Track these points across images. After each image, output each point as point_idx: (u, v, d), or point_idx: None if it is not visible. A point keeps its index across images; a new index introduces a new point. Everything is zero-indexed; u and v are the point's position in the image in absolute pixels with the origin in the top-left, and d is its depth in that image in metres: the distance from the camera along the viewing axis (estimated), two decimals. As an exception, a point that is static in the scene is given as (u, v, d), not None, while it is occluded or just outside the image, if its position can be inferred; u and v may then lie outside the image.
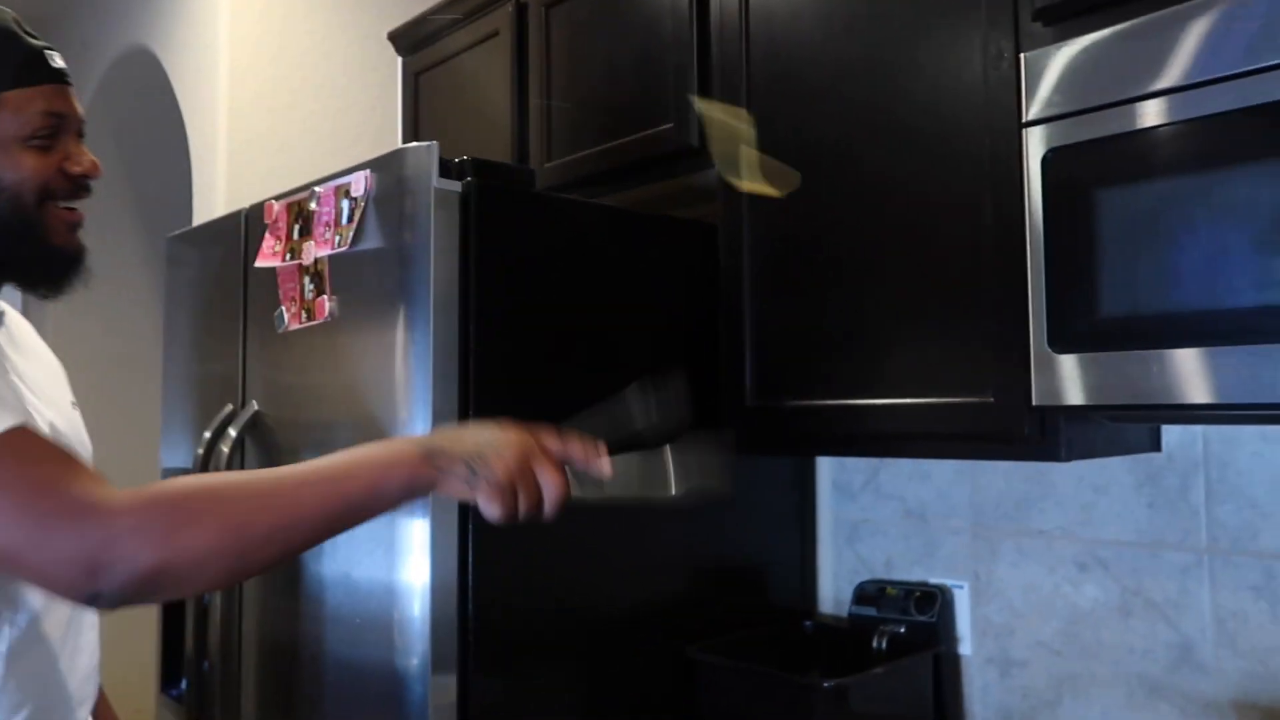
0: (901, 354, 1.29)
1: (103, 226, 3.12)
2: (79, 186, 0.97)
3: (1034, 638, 1.48)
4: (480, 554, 1.27)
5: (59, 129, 0.95)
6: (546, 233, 1.40)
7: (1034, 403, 1.10)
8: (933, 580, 1.60)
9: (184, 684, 1.58)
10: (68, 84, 0.97)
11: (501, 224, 1.33)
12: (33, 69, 0.93)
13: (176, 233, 1.84)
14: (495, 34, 1.97)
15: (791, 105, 1.43)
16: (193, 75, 2.39)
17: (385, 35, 2.28)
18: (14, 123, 0.92)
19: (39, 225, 0.94)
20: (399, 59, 2.26)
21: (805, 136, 1.41)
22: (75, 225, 0.98)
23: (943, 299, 1.25)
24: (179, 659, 1.61)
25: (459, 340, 1.28)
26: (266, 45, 2.29)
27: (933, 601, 1.56)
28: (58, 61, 0.96)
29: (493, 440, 0.85)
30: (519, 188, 1.39)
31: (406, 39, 2.23)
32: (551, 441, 0.89)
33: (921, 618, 1.55)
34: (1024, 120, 1.12)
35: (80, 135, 0.99)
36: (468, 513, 1.26)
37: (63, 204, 0.96)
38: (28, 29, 0.96)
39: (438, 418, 1.25)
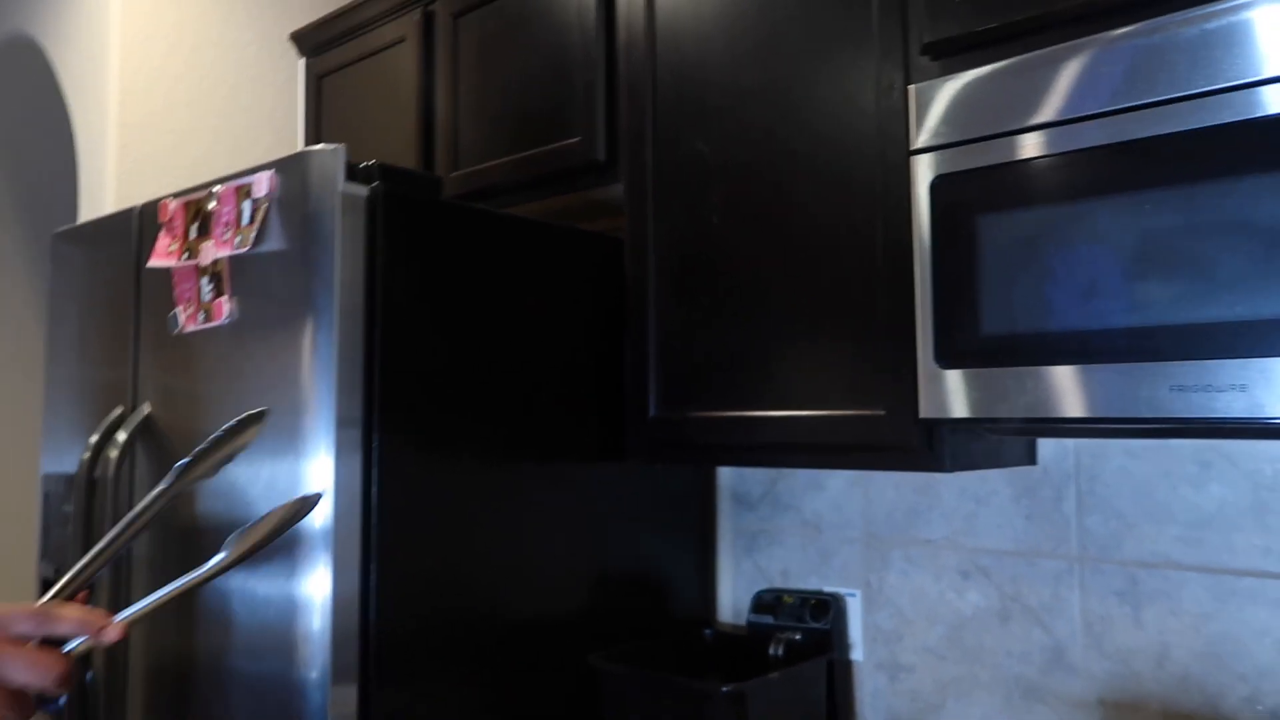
0: (797, 368, 1.34)
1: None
2: None
3: (920, 643, 1.55)
4: (383, 565, 1.26)
5: None
6: (454, 241, 1.39)
7: (921, 415, 1.16)
8: (827, 589, 1.66)
9: (62, 698, 1.51)
10: None
11: (409, 230, 1.33)
12: None
13: (63, 229, 1.76)
14: (402, 40, 1.96)
15: (695, 125, 1.47)
16: (80, 67, 2.30)
17: (287, 35, 2.24)
18: None
19: None
20: (301, 60, 2.22)
21: (708, 155, 1.45)
22: None
23: (836, 316, 1.30)
24: (56, 673, 1.53)
25: (364, 347, 1.27)
26: (160, 38, 2.22)
27: (827, 609, 1.61)
28: None
29: None
30: (426, 195, 1.38)
31: (310, 40, 2.19)
32: (25, 622, 0.73)
33: (816, 625, 1.60)
34: (912, 148, 1.18)
35: None
36: (370, 522, 1.25)
37: None
38: None
39: (341, 424, 1.23)
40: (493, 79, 1.79)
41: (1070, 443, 1.40)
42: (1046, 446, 1.43)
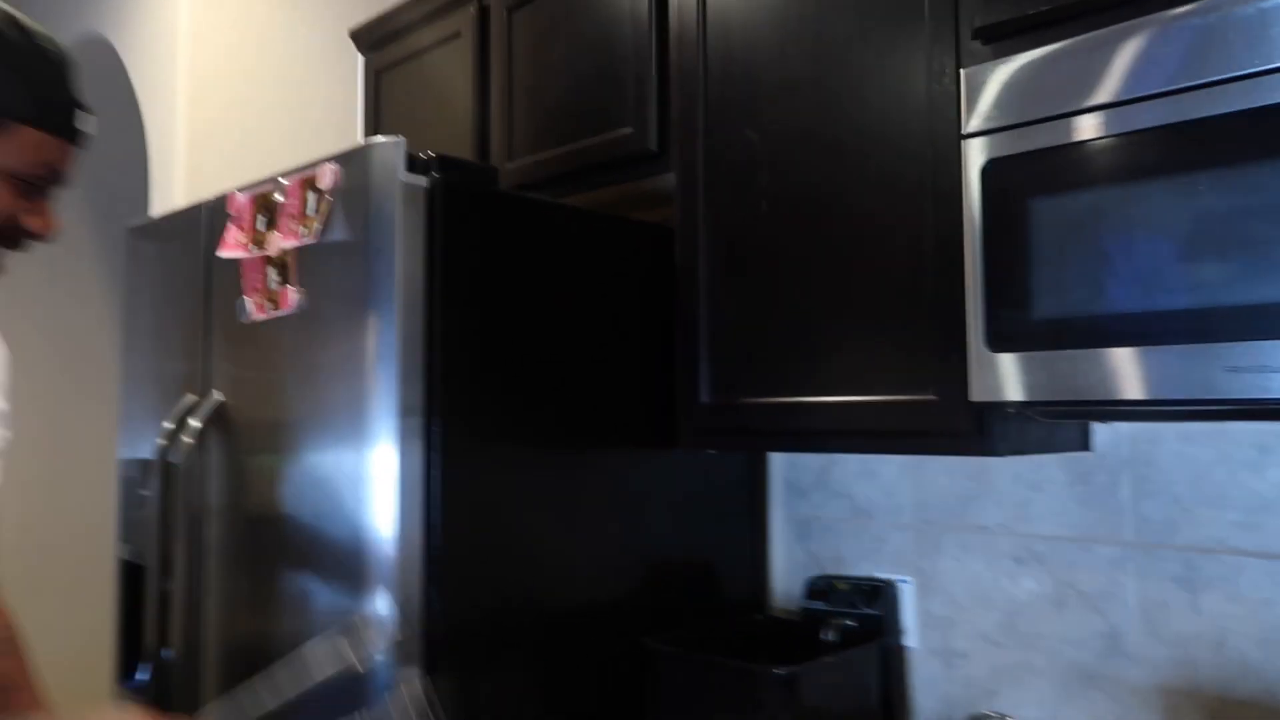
0: (847, 354, 1.35)
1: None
2: (25, 240, 0.93)
3: (975, 629, 1.55)
4: (444, 550, 1.30)
5: (47, 183, 0.92)
6: (510, 230, 1.42)
7: (972, 399, 1.16)
8: (880, 575, 1.66)
9: (143, 673, 1.58)
10: (79, 148, 0.94)
11: (467, 220, 1.36)
12: (62, 119, 0.91)
13: (137, 224, 1.83)
14: (458, 35, 1.99)
15: (745, 114, 1.48)
16: (150, 66, 2.38)
17: (346, 32, 2.29)
18: (15, 155, 0.89)
19: None
20: (360, 56, 2.28)
21: (758, 144, 1.46)
22: None
23: (887, 300, 1.30)
24: (138, 648, 1.61)
25: (424, 335, 1.30)
26: (225, 38, 2.29)
27: (879, 595, 1.61)
28: (85, 124, 0.94)
29: None
30: (483, 186, 1.41)
31: (368, 37, 2.24)
32: None
33: (869, 611, 1.60)
34: (964, 132, 1.17)
35: (52, 196, 0.95)
36: (431, 509, 1.29)
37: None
38: (77, 78, 0.93)
39: (403, 413, 1.27)
40: (545, 71, 1.81)
41: (1126, 428, 1.39)
42: (1102, 432, 1.42)
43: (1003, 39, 1.19)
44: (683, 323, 1.56)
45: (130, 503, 1.72)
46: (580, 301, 1.50)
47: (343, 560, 1.30)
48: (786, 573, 1.80)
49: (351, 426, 1.30)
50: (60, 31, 2.91)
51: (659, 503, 1.61)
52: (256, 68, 2.35)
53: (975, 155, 1.16)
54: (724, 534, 1.73)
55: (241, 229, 1.50)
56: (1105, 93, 1.05)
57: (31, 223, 0.92)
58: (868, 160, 1.33)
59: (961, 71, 1.19)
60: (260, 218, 1.47)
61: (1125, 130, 1.03)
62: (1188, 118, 0.99)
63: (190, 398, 1.59)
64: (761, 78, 1.46)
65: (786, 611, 1.78)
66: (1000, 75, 1.14)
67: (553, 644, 1.43)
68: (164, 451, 1.54)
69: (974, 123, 1.16)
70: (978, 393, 1.15)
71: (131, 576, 1.67)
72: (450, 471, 1.31)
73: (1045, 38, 1.13)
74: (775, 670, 1.36)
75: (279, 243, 1.43)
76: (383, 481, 1.27)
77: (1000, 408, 1.18)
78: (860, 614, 1.61)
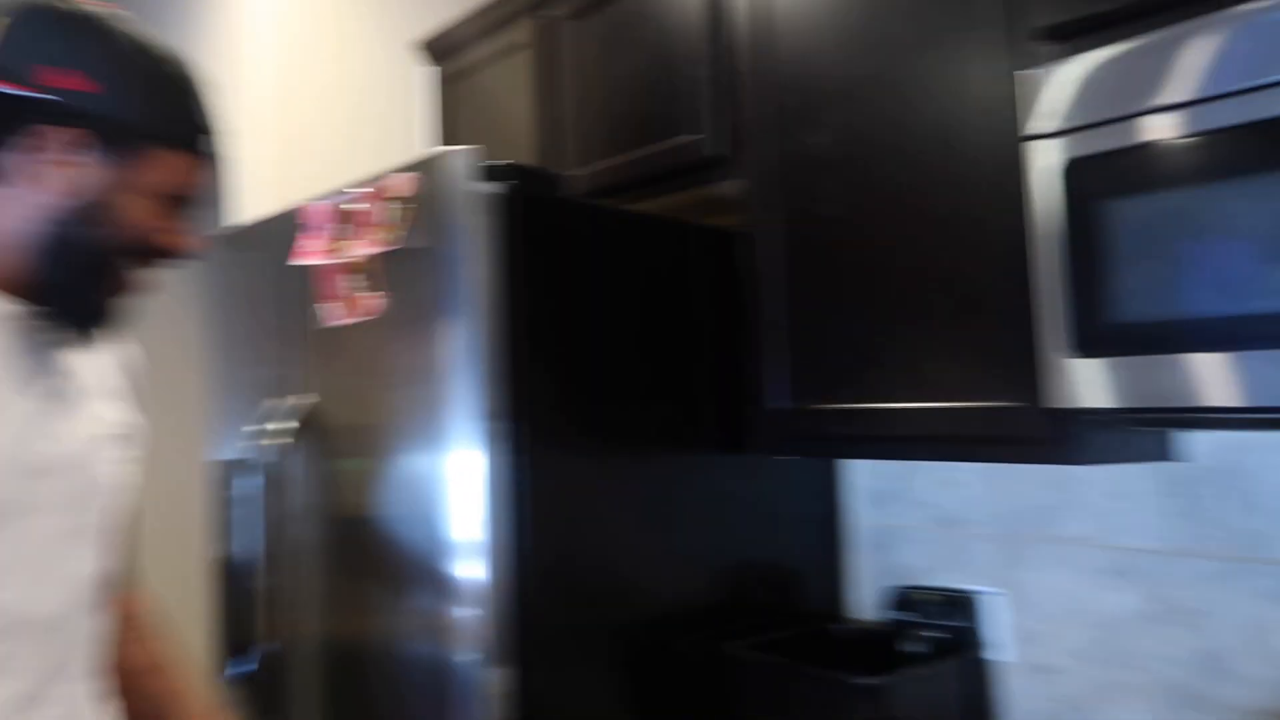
0: (922, 359, 1.32)
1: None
2: (162, 257, 0.94)
3: (1065, 645, 1.50)
4: (530, 553, 1.32)
5: (183, 201, 0.93)
6: (581, 236, 1.44)
7: (1053, 406, 1.13)
8: (963, 586, 1.62)
9: (246, 665, 1.61)
10: (212, 166, 0.96)
11: (540, 226, 1.37)
12: (194, 138, 0.93)
13: (221, 231, 1.88)
14: (520, 46, 2.01)
15: (812, 117, 1.47)
16: (235, 81, 2.44)
17: (411, 44, 2.33)
18: (157, 175, 0.90)
19: (102, 274, 0.90)
20: (423, 68, 2.31)
21: (827, 147, 1.45)
22: (131, 291, 0.93)
23: (961, 305, 1.28)
24: (240, 642, 1.64)
25: (504, 341, 1.32)
26: (303, 55, 2.34)
27: (964, 607, 1.58)
28: (216, 143, 0.96)
29: None
30: (553, 192, 1.43)
31: (437, 48, 2.27)
32: None
33: (952, 623, 1.57)
34: (1029, 134, 1.14)
35: (188, 214, 0.96)
36: (519, 513, 1.30)
37: (134, 267, 0.92)
38: (206, 98, 0.95)
39: (486, 417, 1.28)
40: (607, 80, 1.82)
41: (1221, 437, 1.33)
42: (1188, 441, 1.36)
43: (1070, 38, 1.15)
44: (752, 327, 1.55)
45: (223, 502, 1.76)
46: (649, 306, 1.51)
47: (430, 560, 1.32)
48: (866, 582, 1.78)
49: (436, 430, 1.32)
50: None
51: (737, 508, 1.60)
52: (328, 80, 2.41)
53: (1046, 156, 1.12)
54: (802, 541, 1.71)
55: (321, 237, 1.53)
56: (1180, 91, 1.01)
57: (169, 241, 0.93)
58: (936, 161, 1.30)
59: (1027, 72, 1.16)
60: (339, 226, 1.50)
61: (1203, 129, 0.99)
62: (1265, 115, 0.95)
63: (281, 400, 1.62)
64: (828, 80, 1.45)
65: (866, 621, 1.75)
66: (1067, 75, 1.11)
67: (632, 645, 1.44)
68: (262, 453, 1.57)
69: (1043, 123, 1.13)
70: (1056, 399, 1.12)
71: (232, 572, 1.70)
72: (534, 474, 1.33)
73: (1115, 36, 1.10)
74: (865, 681, 1.33)
75: (358, 250, 1.45)
76: (468, 484, 1.28)
77: (1079, 415, 1.14)
78: (944, 626, 1.58)
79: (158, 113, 0.90)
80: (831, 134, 1.44)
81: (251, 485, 1.59)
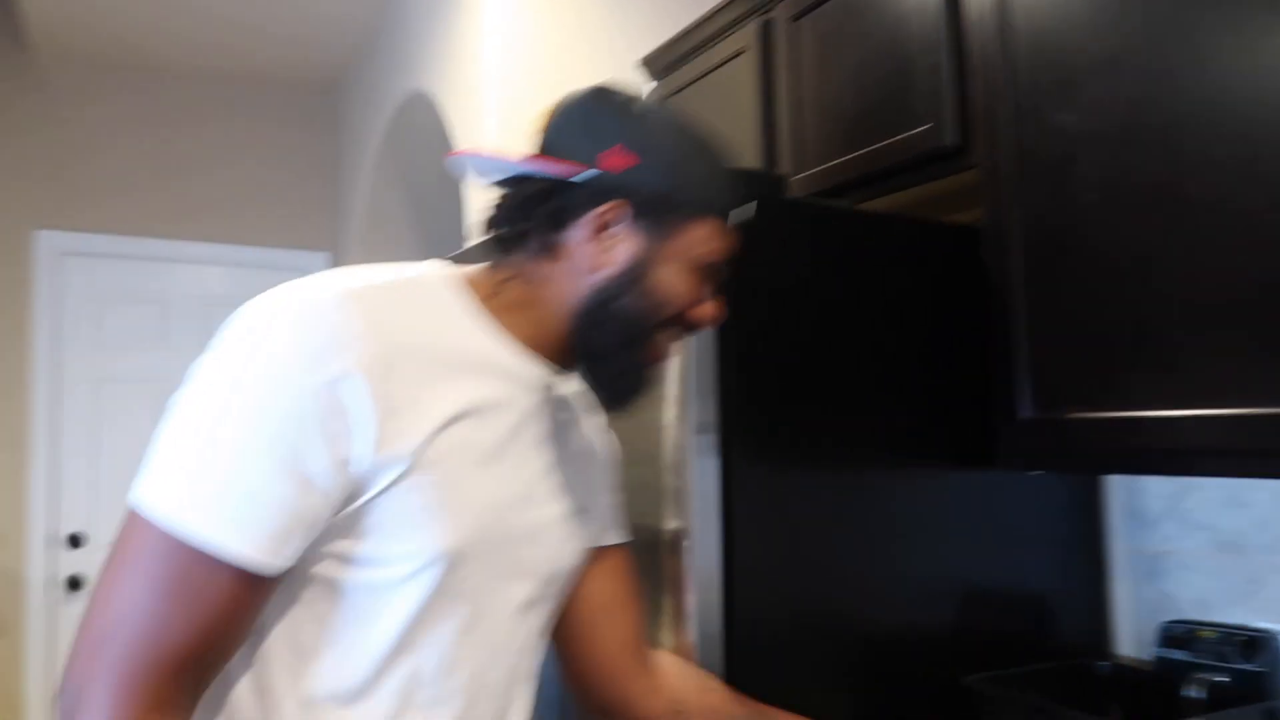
0: (1199, 360, 1.14)
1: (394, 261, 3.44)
2: (692, 327, 0.95)
3: (1396, 698, 1.24)
4: (743, 571, 1.26)
5: (716, 272, 0.95)
6: (801, 237, 1.37)
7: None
8: (1258, 624, 1.39)
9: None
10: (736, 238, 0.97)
11: (759, 229, 1.31)
12: (731, 206, 0.95)
13: (456, 255, 1.97)
14: (742, 51, 1.97)
15: (1057, 97, 1.31)
16: (466, 116, 2.58)
17: (637, 62, 2.35)
18: (701, 245, 0.91)
19: (644, 343, 0.91)
20: (649, 83, 2.32)
21: (1075, 130, 1.29)
22: (659, 360, 0.94)
23: (1246, 298, 1.09)
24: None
25: (716, 351, 1.27)
26: (529, 84, 2.43)
27: (1258, 648, 1.35)
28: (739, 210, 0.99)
29: None
30: (772, 194, 1.37)
31: (657, 63, 2.28)
32: None
33: (1246, 666, 1.34)
34: None
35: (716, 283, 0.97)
36: (730, 529, 1.25)
37: (667, 337, 0.94)
38: (734, 172, 0.98)
39: (697, 430, 1.24)
40: (832, 77, 1.73)
41: None
42: None
43: None
44: (994, 329, 1.40)
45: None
46: (877, 309, 1.41)
47: (642, 574, 1.29)
48: (1133, 615, 1.57)
49: (645, 445, 1.29)
50: (391, 91, 3.25)
51: (976, 528, 1.46)
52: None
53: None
54: (1054, 567, 1.54)
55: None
56: None
57: (701, 311, 0.95)
58: (1211, 142, 1.12)
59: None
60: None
61: None
62: None
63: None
64: (1076, 56, 1.29)
65: (1134, 660, 1.54)
66: None
67: (857, 671, 1.35)
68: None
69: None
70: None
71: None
72: (746, 490, 1.27)
73: None
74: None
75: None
76: (680, 497, 1.24)
77: None
78: (1228, 669, 1.35)
79: (693, 181, 0.91)
80: (1081, 112, 1.28)
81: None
